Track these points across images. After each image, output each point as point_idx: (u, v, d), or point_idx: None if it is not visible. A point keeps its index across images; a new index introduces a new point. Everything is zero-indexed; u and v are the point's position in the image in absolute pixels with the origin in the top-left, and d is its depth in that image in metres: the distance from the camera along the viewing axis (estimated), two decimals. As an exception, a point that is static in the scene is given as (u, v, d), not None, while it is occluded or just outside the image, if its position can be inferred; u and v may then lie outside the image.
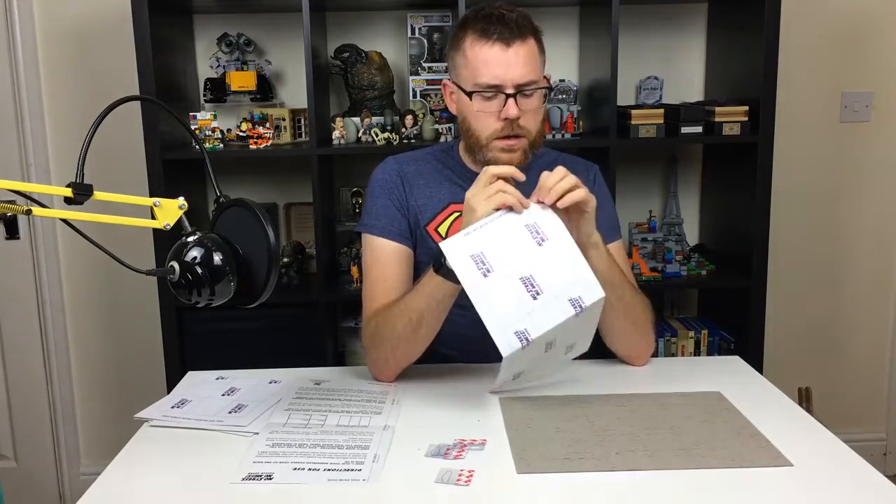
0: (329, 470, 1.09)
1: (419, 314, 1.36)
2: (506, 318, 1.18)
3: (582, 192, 1.29)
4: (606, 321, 1.38)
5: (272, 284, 1.10)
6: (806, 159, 2.67)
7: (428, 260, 1.52)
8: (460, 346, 1.53)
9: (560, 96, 2.46)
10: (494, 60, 1.39)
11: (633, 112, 2.30)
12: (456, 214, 1.53)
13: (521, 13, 1.43)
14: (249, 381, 1.45)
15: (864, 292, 2.78)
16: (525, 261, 1.23)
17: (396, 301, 1.42)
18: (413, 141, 2.32)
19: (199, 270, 1.07)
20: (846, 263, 2.76)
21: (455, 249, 1.22)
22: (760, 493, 1.03)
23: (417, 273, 1.54)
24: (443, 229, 1.53)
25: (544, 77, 1.46)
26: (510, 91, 1.40)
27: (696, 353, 2.48)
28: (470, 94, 1.42)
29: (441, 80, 1.67)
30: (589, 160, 1.69)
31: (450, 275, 1.27)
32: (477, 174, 1.34)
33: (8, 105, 2.53)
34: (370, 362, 1.47)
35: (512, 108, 1.40)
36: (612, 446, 1.14)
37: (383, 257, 1.51)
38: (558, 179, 1.28)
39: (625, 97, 2.52)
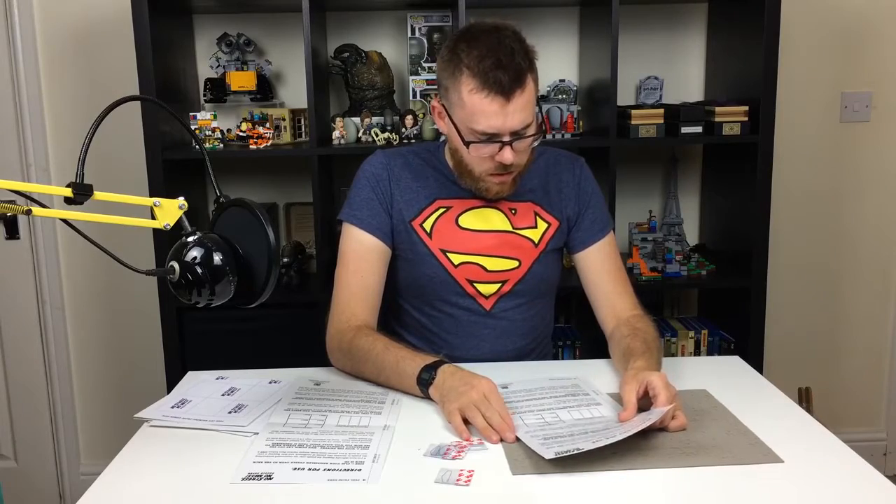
0: (329, 470, 1.09)
1: (386, 382, 1.39)
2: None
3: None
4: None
5: (272, 284, 1.10)
6: (806, 159, 2.67)
7: (412, 256, 1.54)
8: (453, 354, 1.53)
9: (560, 96, 2.46)
10: (493, 112, 1.36)
11: (633, 112, 2.30)
12: (441, 210, 1.54)
13: (519, 47, 1.37)
14: (249, 381, 1.45)
15: (864, 292, 2.78)
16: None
17: (375, 351, 1.39)
18: (413, 141, 2.31)
19: (199, 270, 1.07)
20: (846, 263, 2.76)
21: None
22: (756, 491, 1.03)
23: (395, 265, 1.56)
24: (427, 225, 1.54)
25: (537, 100, 1.43)
26: (507, 139, 1.39)
27: (696, 353, 2.48)
28: (467, 143, 1.41)
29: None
30: (589, 160, 1.69)
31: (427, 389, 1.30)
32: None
33: (8, 105, 2.53)
34: (333, 354, 1.49)
35: (508, 155, 1.40)
36: (609, 446, 1.13)
37: (361, 250, 1.53)
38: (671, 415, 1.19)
39: (625, 97, 2.52)
